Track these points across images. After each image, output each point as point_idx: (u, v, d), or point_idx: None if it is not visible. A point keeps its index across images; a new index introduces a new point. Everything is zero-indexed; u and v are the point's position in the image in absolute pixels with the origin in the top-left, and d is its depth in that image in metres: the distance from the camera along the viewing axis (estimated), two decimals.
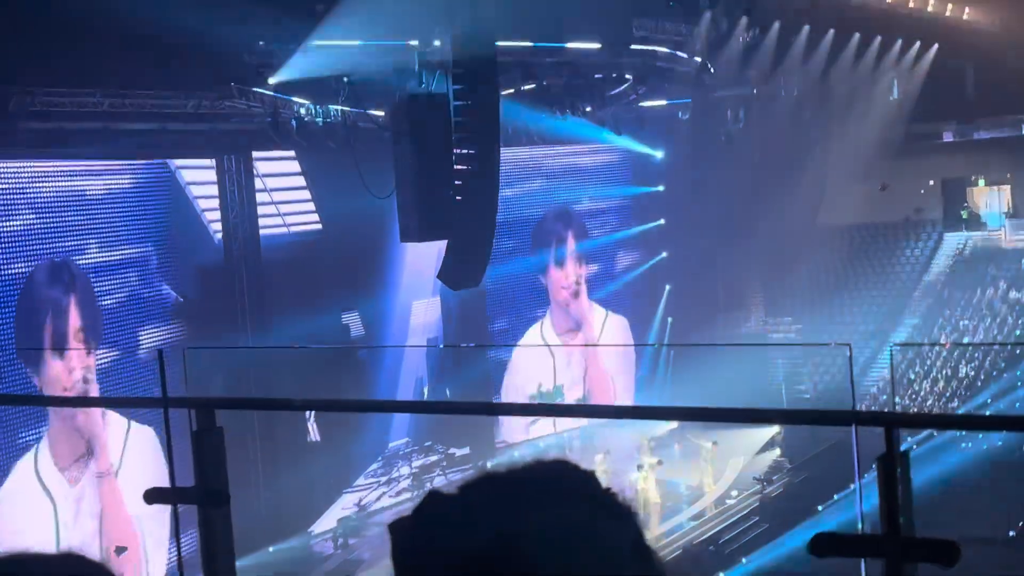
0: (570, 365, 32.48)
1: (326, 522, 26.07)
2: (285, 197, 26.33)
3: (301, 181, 26.58)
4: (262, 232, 25.30)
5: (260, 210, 25.24)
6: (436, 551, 1.39)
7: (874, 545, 3.07)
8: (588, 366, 32.81)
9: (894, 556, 3.05)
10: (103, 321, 22.23)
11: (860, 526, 3.33)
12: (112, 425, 21.74)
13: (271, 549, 23.67)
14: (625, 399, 32.94)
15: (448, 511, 1.42)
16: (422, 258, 26.64)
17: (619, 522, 1.45)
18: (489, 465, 27.63)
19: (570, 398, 31.81)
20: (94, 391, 21.16)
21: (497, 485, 1.45)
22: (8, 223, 20.77)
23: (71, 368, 21.17)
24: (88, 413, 20.70)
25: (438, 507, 1.44)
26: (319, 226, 26.62)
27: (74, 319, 21.48)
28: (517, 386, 30.77)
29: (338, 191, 25.53)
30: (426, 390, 29.15)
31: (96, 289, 22.13)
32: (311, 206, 26.63)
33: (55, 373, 21.01)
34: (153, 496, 3.97)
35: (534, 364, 31.94)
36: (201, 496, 3.74)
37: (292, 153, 25.57)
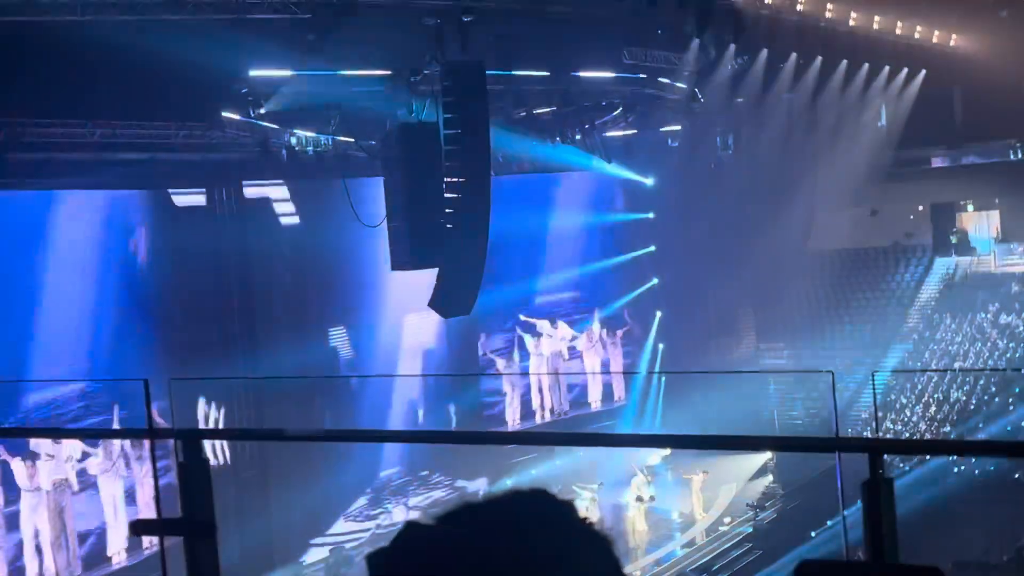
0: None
1: (317, 552, 25.95)
2: (275, 225, 26.35)
3: (291, 208, 26.63)
4: (252, 258, 25.32)
5: (249, 237, 25.24)
6: None
7: (859, 572, 3.07)
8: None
9: None
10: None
11: (845, 553, 3.33)
12: None
13: None
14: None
15: (426, 542, 1.42)
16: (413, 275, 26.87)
17: (597, 551, 1.45)
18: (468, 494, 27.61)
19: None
20: None
21: (475, 515, 1.45)
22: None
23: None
24: None
25: (416, 538, 1.44)
26: (308, 252, 26.65)
27: None
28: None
29: (328, 220, 25.60)
30: (421, 412, 29.13)
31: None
32: (301, 234, 26.65)
33: None
34: (139, 528, 3.95)
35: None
36: (187, 527, 3.71)
37: (282, 182, 25.61)
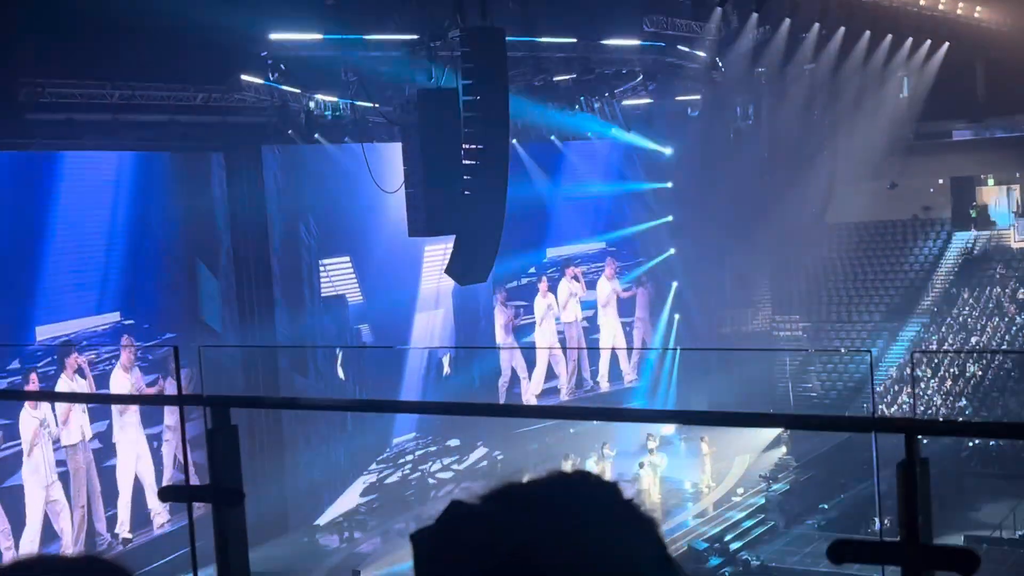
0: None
1: (332, 516, 26.13)
2: (293, 191, 26.36)
3: (309, 174, 26.62)
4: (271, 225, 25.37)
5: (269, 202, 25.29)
6: (460, 562, 1.39)
7: (893, 552, 3.06)
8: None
9: (913, 564, 3.03)
10: None
11: (880, 532, 3.31)
12: None
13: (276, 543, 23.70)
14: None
15: (471, 522, 1.42)
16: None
17: (641, 532, 1.44)
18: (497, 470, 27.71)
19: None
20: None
21: (519, 496, 1.44)
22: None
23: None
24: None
25: (461, 518, 1.43)
26: (327, 222, 26.69)
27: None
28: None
29: (346, 184, 25.61)
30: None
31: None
32: (320, 201, 26.67)
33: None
34: (168, 494, 3.96)
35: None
36: (216, 495, 3.73)
37: (301, 146, 25.58)
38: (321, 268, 26.66)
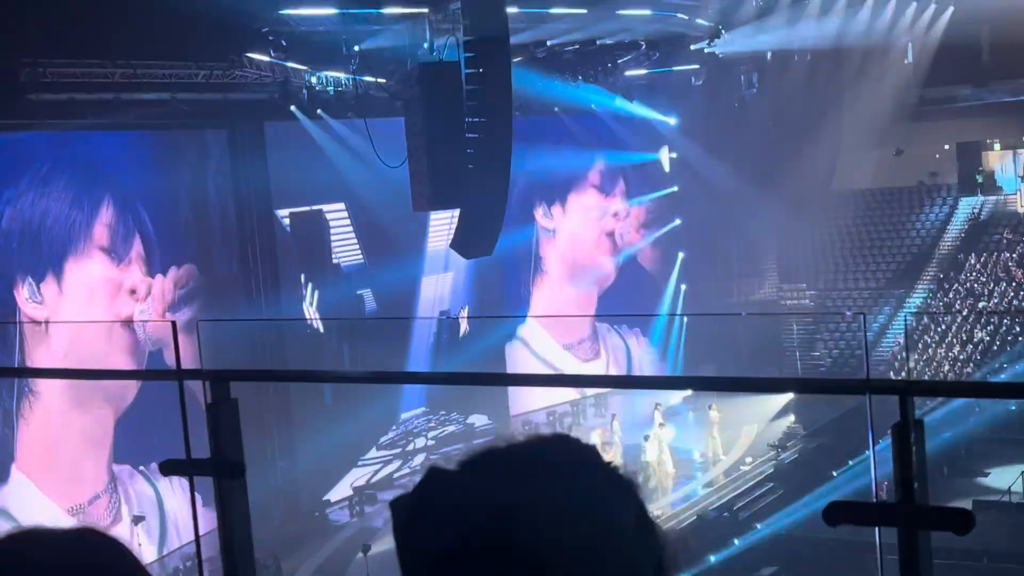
0: None
1: (342, 491, 26.22)
2: (296, 166, 26.35)
3: (312, 150, 26.59)
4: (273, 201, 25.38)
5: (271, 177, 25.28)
6: (438, 527, 1.39)
7: (888, 513, 3.07)
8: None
9: (908, 524, 3.04)
10: None
11: (874, 494, 3.32)
12: None
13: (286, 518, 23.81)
14: None
15: (449, 487, 1.42)
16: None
17: (622, 495, 1.44)
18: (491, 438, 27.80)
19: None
20: None
21: (497, 460, 1.44)
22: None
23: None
24: None
25: (439, 483, 1.43)
26: (331, 196, 26.67)
27: None
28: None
29: (350, 161, 25.56)
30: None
31: None
32: (322, 175, 26.63)
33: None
34: (169, 468, 3.98)
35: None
36: (217, 468, 3.75)
37: (304, 122, 25.52)
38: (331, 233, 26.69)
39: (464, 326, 29.71)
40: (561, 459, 1.44)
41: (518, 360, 30.55)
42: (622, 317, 33.41)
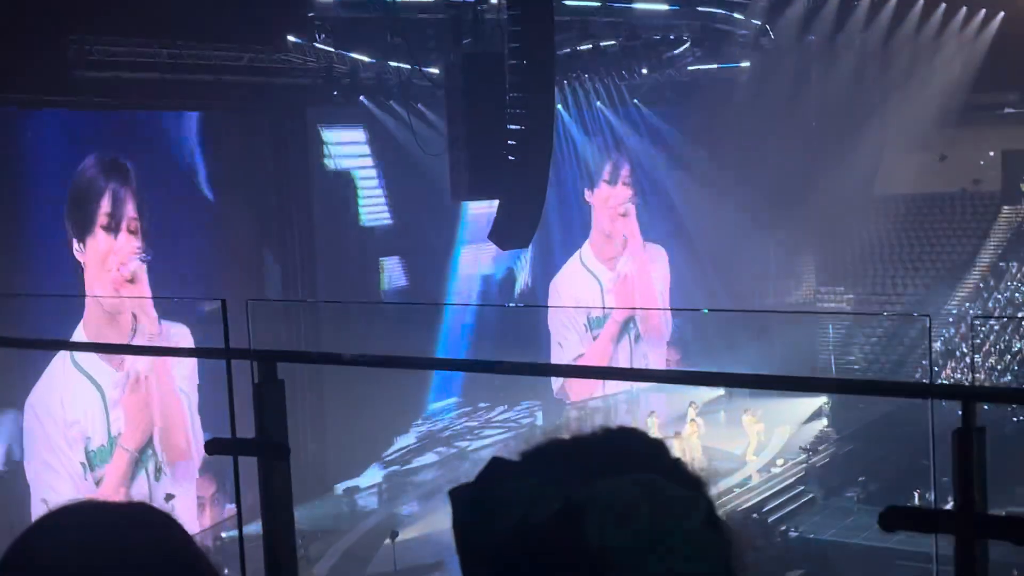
0: (614, 292, 32.89)
1: (372, 476, 26.31)
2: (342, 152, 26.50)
3: (359, 136, 26.70)
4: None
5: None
6: (500, 519, 1.35)
7: (947, 521, 3.00)
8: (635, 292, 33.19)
9: (966, 533, 2.98)
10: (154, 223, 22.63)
11: (934, 501, 3.26)
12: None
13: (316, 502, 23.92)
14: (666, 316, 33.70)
15: (512, 479, 1.38)
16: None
17: (691, 492, 1.40)
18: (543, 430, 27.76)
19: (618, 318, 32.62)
20: (143, 285, 21.74)
21: (562, 452, 1.40)
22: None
23: (120, 258, 21.68)
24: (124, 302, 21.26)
25: (501, 475, 1.40)
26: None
27: (130, 209, 21.96)
28: (562, 319, 31.25)
29: (392, 148, 25.66)
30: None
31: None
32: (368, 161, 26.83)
33: (102, 250, 21.43)
34: (214, 447, 3.98)
35: (580, 290, 32.30)
36: (262, 448, 3.74)
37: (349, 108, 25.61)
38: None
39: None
40: (628, 453, 1.40)
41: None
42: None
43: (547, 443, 1.42)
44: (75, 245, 21.40)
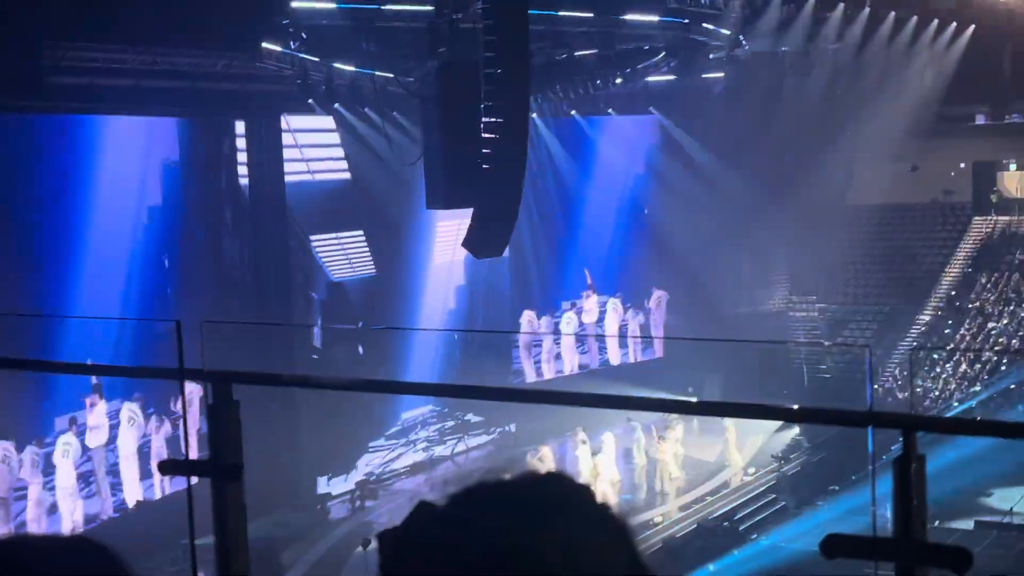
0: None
1: (344, 484, 26.24)
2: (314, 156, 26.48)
3: (329, 140, 26.65)
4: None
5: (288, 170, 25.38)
6: (427, 564, 1.38)
7: (886, 549, 3.05)
8: None
9: (906, 560, 3.02)
10: None
11: (874, 529, 3.30)
12: None
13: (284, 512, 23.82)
14: None
15: (438, 524, 1.40)
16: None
17: (615, 538, 1.42)
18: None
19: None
20: None
21: (488, 497, 1.42)
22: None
23: None
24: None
25: (428, 519, 1.42)
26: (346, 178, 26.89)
27: None
28: None
29: (365, 156, 25.61)
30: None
31: None
32: (339, 165, 26.80)
33: None
34: (167, 467, 3.98)
35: None
36: (215, 470, 3.74)
37: (321, 115, 25.56)
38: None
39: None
40: (553, 499, 1.42)
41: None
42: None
43: (474, 487, 1.44)
44: None
